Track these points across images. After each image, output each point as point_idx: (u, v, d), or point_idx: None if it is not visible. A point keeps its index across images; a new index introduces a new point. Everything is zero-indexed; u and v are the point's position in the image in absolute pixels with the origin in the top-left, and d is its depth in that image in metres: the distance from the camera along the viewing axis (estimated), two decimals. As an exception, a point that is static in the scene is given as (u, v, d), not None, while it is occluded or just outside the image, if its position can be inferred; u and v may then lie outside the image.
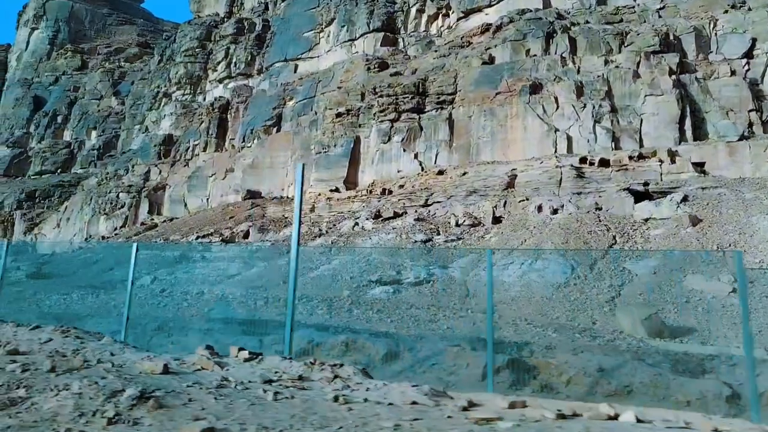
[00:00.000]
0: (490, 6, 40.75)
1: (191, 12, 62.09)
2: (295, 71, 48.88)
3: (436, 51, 39.19)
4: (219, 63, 53.66)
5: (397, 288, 18.49)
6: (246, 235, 30.22)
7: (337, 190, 33.07)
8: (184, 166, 49.63)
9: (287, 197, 37.46)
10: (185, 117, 53.63)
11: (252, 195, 39.68)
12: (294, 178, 40.38)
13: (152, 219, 44.07)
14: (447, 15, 43.73)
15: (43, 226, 64.25)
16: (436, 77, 33.64)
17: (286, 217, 32.51)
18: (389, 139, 32.72)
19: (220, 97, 51.59)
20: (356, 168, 33.69)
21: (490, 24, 38.45)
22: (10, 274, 28.26)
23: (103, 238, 46.00)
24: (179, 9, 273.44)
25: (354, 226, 26.42)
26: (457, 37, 40.15)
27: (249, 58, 52.04)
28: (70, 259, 30.10)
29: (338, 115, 35.17)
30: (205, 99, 54.95)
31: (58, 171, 78.96)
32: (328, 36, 47.89)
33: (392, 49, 43.37)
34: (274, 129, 46.05)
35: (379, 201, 30.37)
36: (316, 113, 42.83)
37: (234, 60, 52.59)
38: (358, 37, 45.49)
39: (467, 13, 41.77)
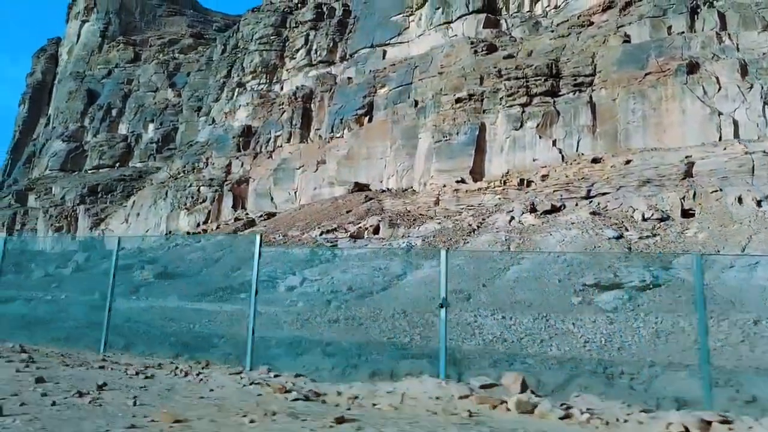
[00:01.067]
0: (608, -18, 37.77)
1: (262, -2, 59.80)
2: (383, 57, 46.33)
3: (552, 31, 36.40)
4: (298, 50, 51.33)
5: (631, 294, 15.88)
6: (376, 230, 27.82)
7: (462, 180, 30.51)
8: (268, 158, 47.44)
9: (401, 189, 34.98)
10: (263, 107, 51.42)
11: (360, 187, 37.30)
12: (395, 169, 38.02)
13: (246, 214, 41.95)
14: (553, -6, 40.83)
15: (110, 221, 62.70)
16: (570, 58, 30.88)
17: (409, 211, 30.04)
18: (521, 125, 30.08)
19: (301, 86, 49.26)
20: (482, 157, 31.10)
21: (613, 1, 35.53)
22: (134, 274, 26.19)
23: (188, 233, 44.00)
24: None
25: (510, 221, 23.84)
26: (572, 15, 37.28)
27: (331, 44, 49.62)
28: (181, 256, 27.92)
29: (458, 100, 32.59)
30: (282, 88, 52.68)
31: (117, 165, 77.52)
32: (420, 19, 45.22)
33: (495, 30, 40.62)
34: (366, 118, 43.61)
35: (519, 192, 27.77)
36: (421, 100, 40.27)
37: (314, 47, 50.20)
38: (456, 20, 42.75)
39: (580, -9, 38.84)
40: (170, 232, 48.17)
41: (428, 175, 32.49)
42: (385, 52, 46.53)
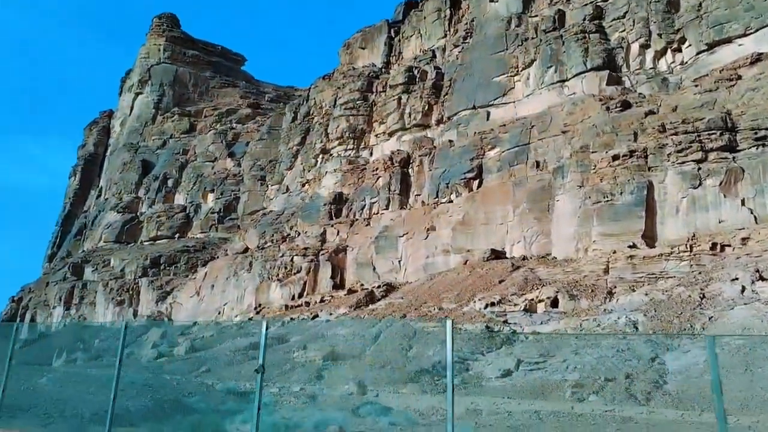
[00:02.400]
0: (744, 35, 35.61)
1: (342, 62, 58.50)
2: (487, 119, 44.11)
3: (696, 86, 33.95)
4: (389, 114, 49.32)
5: None
6: (554, 303, 24.57)
7: (634, 246, 27.38)
8: (366, 225, 44.70)
9: (552, 257, 31.85)
10: (352, 173, 49.09)
11: (497, 255, 34.23)
12: (522, 234, 35.09)
13: (361, 285, 38.84)
14: (678, 50, 38.70)
15: (177, 294, 59.71)
16: (744, 111, 28.23)
17: (577, 282, 26.80)
18: (700, 184, 27.15)
19: (398, 150, 46.99)
20: (652, 219, 28.07)
21: (762, 53, 33.19)
22: (294, 355, 22.80)
23: (287, 308, 40.83)
24: (278, 71, 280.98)
25: (743, 291, 20.60)
26: (711, 70, 34.91)
27: (426, 107, 47.61)
28: (345, 339, 24.48)
29: (614, 158, 29.83)
30: (372, 154, 50.49)
31: (176, 236, 75.29)
32: (528, 79, 43.18)
33: (621, 88, 38.33)
34: (476, 182, 41.02)
35: (714, 258, 24.57)
36: (543, 161, 37.71)
37: (408, 111, 48.19)
38: (571, 78, 40.65)
39: (712, 46, 36.65)
40: (260, 305, 45.04)
41: (585, 241, 29.40)
42: (489, 114, 44.35)
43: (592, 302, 24.26)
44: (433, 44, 52.78)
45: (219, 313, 52.17)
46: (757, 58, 33.33)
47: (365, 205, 46.31)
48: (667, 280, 24.88)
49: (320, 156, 53.63)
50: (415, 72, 50.02)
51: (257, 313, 43.83)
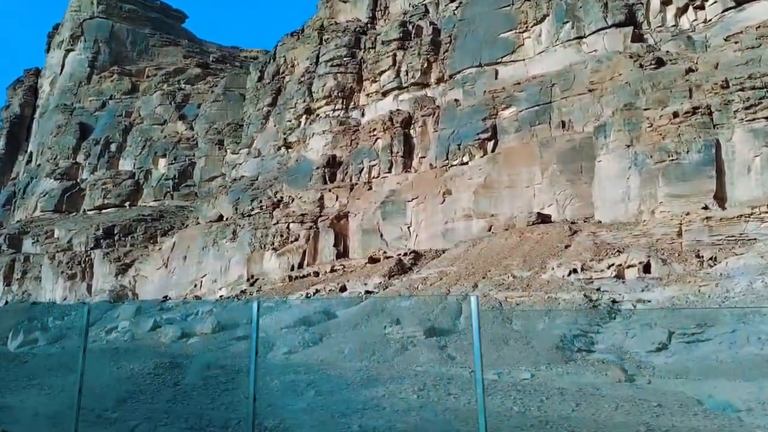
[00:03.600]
0: (774, -7, 34.64)
1: (320, 17, 54.51)
2: (495, 77, 41.80)
3: (736, 43, 32.69)
4: (383, 72, 46.18)
5: None
6: (647, 268, 22.73)
7: (706, 207, 25.91)
8: (368, 190, 41.76)
9: (596, 221, 30.08)
10: (344, 135, 45.83)
11: (543, 219, 32.13)
12: (554, 197, 33.30)
13: (385, 253, 35.93)
14: (701, 7, 37.45)
15: (141, 267, 55.06)
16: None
17: (653, 246, 25.09)
18: (773, 142, 25.90)
19: (397, 110, 44.04)
20: (721, 179, 26.64)
21: (803, 11, 32.28)
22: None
23: (291, 278, 37.53)
24: (222, 30, 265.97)
25: None
26: (749, 27, 33.75)
27: (425, 65, 44.76)
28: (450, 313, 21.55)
29: (675, 115, 28.15)
30: (363, 114, 47.28)
31: (127, 204, 69.73)
32: (539, 35, 41.04)
33: (646, 45, 36.81)
34: (490, 143, 38.82)
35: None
36: (569, 120, 35.87)
37: (405, 68, 45.21)
38: (589, 34, 38.80)
39: (740, 3, 35.54)
40: (252, 276, 41.49)
41: (649, 202, 27.69)
42: (497, 72, 42.03)
43: (686, 267, 22.57)
44: (424, -1, 49.79)
45: (195, 286, 48.18)
46: (798, 16, 32.37)
47: (363, 168, 43.29)
48: (754, 243, 23.50)
49: (303, 117, 49.89)
50: (410, 27, 46.97)
51: (251, 285, 40.30)
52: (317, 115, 48.21)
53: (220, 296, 42.34)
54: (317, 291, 30.63)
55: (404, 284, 26.99)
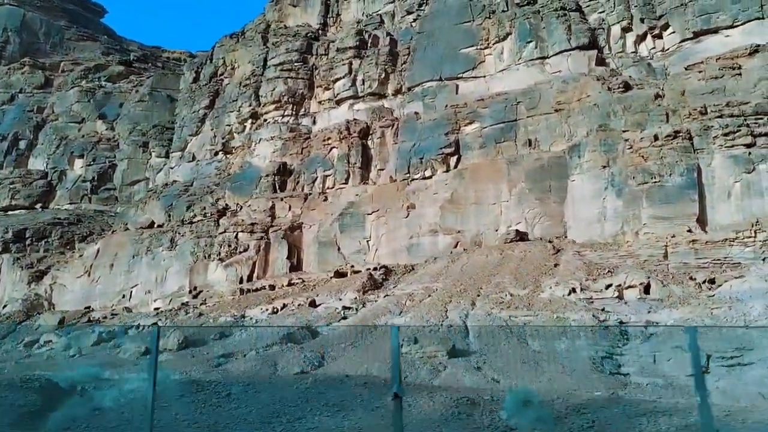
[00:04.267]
0: (732, 27, 36.07)
1: (272, 21, 52.40)
2: (456, 92, 41.33)
3: (700, 72, 33.61)
4: (338, 80, 44.76)
5: None
6: (647, 289, 22.43)
7: (690, 230, 26.09)
8: (323, 201, 40.05)
9: (568, 240, 29.80)
10: (294, 142, 43.96)
11: (521, 236, 31.48)
12: (522, 216, 33.05)
13: (352, 267, 34.17)
14: (659, 36, 38.54)
15: (59, 275, 50.65)
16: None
17: (644, 268, 24.95)
18: (753, 169, 26.46)
19: (354, 120, 42.67)
20: (702, 203, 26.96)
21: (760, 46, 33.61)
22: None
23: (242, 292, 35.14)
24: (143, 29, 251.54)
25: None
26: (709, 58, 34.83)
27: (382, 75, 43.73)
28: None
29: (656, 137, 28.35)
30: (315, 121, 45.57)
31: (38, 206, 64.41)
32: (501, 53, 40.93)
33: (609, 69, 37.37)
34: (453, 158, 38.20)
35: (789, 244, 23.87)
36: (535, 139, 35.74)
37: (362, 77, 43.99)
38: (553, 55, 39.04)
39: (698, 35, 36.78)
40: (195, 288, 38.71)
41: (633, 223, 27.60)
42: (457, 87, 41.57)
43: (684, 289, 22.45)
44: (379, 9, 48.84)
45: (124, 297, 44.54)
46: (755, 49, 33.64)
47: (317, 177, 41.53)
48: (738, 266, 23.77)
49: (249, 121, 47.54)
50: (365, 36, 45.85)
51: (194, 297, 37.53)
52: (265, 120, 46.05)
53: (156, 309, 39.27)
54: (284, 306, 28.58)
55: (390, 300, 25.54)
